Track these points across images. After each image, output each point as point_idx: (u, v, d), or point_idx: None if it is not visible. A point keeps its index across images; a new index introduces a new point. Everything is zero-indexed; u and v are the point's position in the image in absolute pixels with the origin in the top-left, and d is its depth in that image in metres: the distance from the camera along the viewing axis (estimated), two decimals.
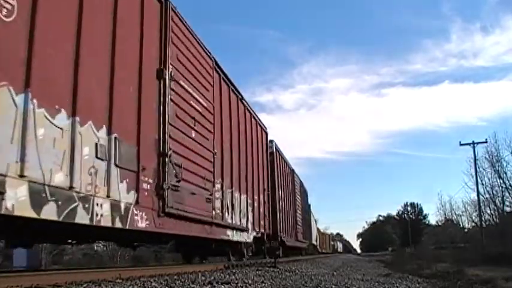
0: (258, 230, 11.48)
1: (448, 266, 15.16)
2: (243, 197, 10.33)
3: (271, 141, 14.93)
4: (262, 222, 12.01)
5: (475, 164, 30.75)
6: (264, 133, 13.49)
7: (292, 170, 20.38)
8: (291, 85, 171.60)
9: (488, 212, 31.76)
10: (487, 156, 30.99)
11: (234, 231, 9.47)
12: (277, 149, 15.98)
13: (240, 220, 9.91)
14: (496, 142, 30.33)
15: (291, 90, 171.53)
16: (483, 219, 30.83)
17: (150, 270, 6.04)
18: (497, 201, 30.33)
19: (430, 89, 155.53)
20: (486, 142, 30.67)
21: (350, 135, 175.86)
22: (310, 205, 30.95)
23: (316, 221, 39.20)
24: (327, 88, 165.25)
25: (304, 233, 23.41)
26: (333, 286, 6.62)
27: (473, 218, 37.93)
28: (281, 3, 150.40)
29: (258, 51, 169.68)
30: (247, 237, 10.47)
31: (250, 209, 10.80)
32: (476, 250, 22.47)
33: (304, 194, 25.96)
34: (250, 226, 10.66)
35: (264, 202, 12.52)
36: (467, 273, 11.52)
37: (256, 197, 11.61)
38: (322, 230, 50.67)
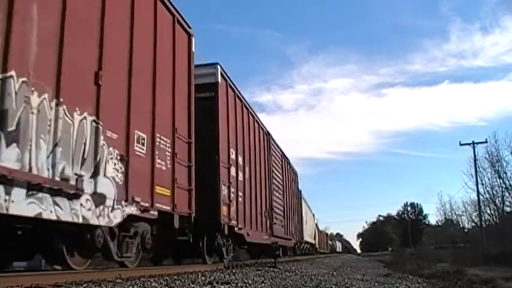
0: (148, 204, 5.90)
1: (448, 266, 15.15)
2: (79, 118, 4.65)
3: (215, 64, 9.24)
4: (165, 192, 6.40)
5: (475, 164, 30.84)
6: (169, 16, 7.13)
7: (268, 134, 14.27)
8: (290, 85, 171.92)
9: (488, 212, 31.86)
10: (487, 156, 31.13)
11: (13, 191, 3.74)
12: (229, 83, 10.00)
13: (53, 167, 4.21)
14: (496, 142, 30.48)
15: (290, 90, 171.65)
16: (483, 219, 30.89)
17: (150, 270, 6.05)
18: (497, 201, 30.45)
19: (429, 89, 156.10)
20: (486, 142, 30.82)
21: (350, 135, 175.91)
22: (301, 191, 24.30)
23: (314, 216, 35.01)
24: (326, 88, 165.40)
25: (288, 227, 17.32)
26: (333, 286, 6.63)
27: (473, 218, 38.06)
28: (281, 3, 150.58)
29: (257, 51, 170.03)
30: (92, 214, 4.76)
31: (110, 153, 5.16)
32: (476, 250, 22.45)
33: (291, 173, 19.47)
34: (111, 189, 5.15)
35: (174, 154, 6.74)
36: (467, 273, 11.51)
37: (142, 136, 5.86)
38: (320, 229, 47.27)
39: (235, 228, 9.82)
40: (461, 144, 31.76)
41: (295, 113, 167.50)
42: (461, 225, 44.68)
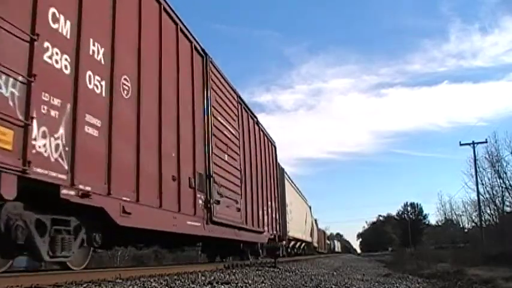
0: None
1: (448, 266, 15.14)
2: None
3: None
4: None
5: (475, 164, 30.86)
6: None
7: (205, 54, 8.58)
8: (290, 85, 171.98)
9: (488, 212, 31.87)
10: (487, 156, 31.13)
11: None
12: None
13: None
14: (496, 142, 30.48)
15: (290, 90, 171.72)
16: (483, 219, 30.90)
17: (150, 270, 6.05)
18: (497, 201, 30.45)
19: (429, 89, 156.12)
20: (486, 142, 30.85)
21: (350, 135, 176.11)
22: (283, 170, 18.36)
23: (311, 209, 30.71)
24: (326, 88, 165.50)
25: (254, 214, 11.35)
26: (333, 286, 6.63)
27: (473, 218, 38.09)
28: (281, 3, 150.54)
29: (257, 51, 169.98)
30: None
31: None
32: (476, 250, 22.45)
33: (260, 137, 13.25)
34: None
35: None
36: (467, 273, 11.51)
37: None
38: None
39: (63, 191, 4.27)
40: (461, 144, 31.83)
41: (295, 113, 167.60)
42: (461, 225, 44.76)
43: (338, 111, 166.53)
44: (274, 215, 14.50)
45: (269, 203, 13.73)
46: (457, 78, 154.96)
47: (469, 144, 31.13)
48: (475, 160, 30.89)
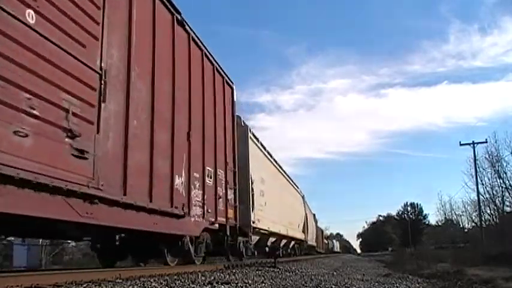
0: None
1: (448, 266, 15.14)
2: None
3: None
4: None
5: (475, 164, 30.87)
6: None
7: None
8: (289, 86, 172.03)
9: (488, 212, 31.88)
10: (487, 156, 31.13)
11: None
12: None
13: None
14: (496, 142, 30.49)
15: (290, 90, 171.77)
16: (483, 219, 30.90)
17: (150, 270, 6.04)
18: (497, 201, 30.46)
19: (429, 90, 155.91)
20: (486, 142, 30.87)
21: (350, 135, 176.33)
22: (247, 128, 12.53)
23: (304, 199, 26.77)
24: (325, 88, 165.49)
25: (164, 180, 6.41)
26: (333, 286, 6.63)
27: (473, 218, 38.09)
28: (280, 4, 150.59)
29: (257, 51, 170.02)
30: None
31: None
32: (476, 250, 22.45)
33: (194, 55, 7.94)
34: None
35: None
36: (467, 273, 11.51)
37: None
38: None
39: None
40: (461, 144, 31.86)
41: (295, 113, 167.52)
42: (461, 225, 44.76)
43: (338, 111, 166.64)
44: (222, 192, 9.17)
45: (208, 169, 8.48)
46: (456, 78, 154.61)
47: (469, 144, 31.18)
48: (475, 160, 30.93)
